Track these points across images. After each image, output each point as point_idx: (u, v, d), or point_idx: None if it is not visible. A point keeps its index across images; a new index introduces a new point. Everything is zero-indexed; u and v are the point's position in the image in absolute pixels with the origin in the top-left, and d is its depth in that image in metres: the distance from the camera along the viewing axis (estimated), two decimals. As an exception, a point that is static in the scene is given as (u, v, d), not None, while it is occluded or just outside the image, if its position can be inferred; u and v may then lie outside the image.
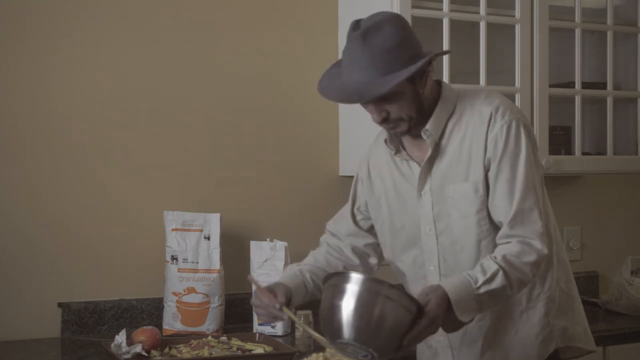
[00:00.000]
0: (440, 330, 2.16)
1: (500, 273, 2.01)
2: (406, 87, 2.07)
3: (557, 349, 2.24)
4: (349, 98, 2.10)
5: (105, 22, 2.91)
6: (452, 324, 2.02)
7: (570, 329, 2.25)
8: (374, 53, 2.02)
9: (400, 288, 2.00)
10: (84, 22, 2.89)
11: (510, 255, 2.05)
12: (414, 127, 2.15)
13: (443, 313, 1.96)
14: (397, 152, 2.24)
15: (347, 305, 1.91)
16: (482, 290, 2.00)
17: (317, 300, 2.09)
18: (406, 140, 2.25)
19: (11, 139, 2.81)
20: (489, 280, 2.01)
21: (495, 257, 2.04)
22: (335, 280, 1.97)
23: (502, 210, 2.10)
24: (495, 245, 2.12)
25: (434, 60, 2.12)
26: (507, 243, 2.08)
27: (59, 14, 2.86)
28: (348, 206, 2.43)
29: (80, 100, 2.89)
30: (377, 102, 2.08)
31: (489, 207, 2.13)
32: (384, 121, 2.12)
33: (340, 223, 2.44)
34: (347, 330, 1.90)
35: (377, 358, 1.93)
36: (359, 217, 2.41)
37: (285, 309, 2.12)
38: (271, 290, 2.16)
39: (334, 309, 1.93)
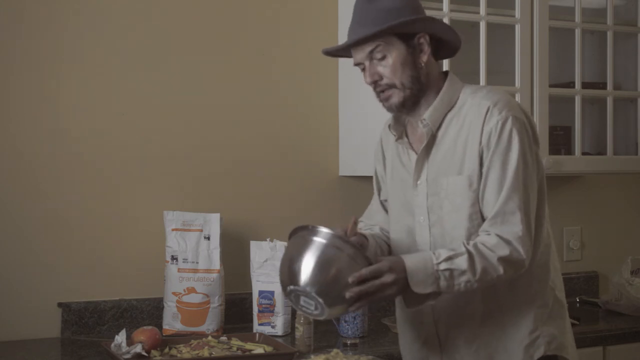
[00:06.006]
0: (431, 320, 2.20)
1: (466, 256, 2.03)
2: (400, 47, 2.14)
3: (548, 358, 2.20)
4: (342, 46, 2.18)
5: (104, 21, 2.91)
6: (411, 296, 2.05)
7: (559, 337, 2.21)
8: (376, 11, 2.11)
9: (362, 249, 2.09)
10: (85, 21, 2.89)
11: (482, 244, 2.06)
12: (411, 105, 2.18)
13: (395, 274, 2.00)
14: (399, 138, 2.25)
15: (307, 254, 2.01)
16: (442, 266, 2.02)
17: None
18: (409, 129, 2.26)
19: (11, 139, 2.81)
20: (451, 258, 2.03)
21: (467, 243, 2.07)
22: (303, 232, 2.06)
23: (488, 208, 2.11)
24: None
25: (429, 30, 2.18)
26: (486, 235, 2.09)
27: (60, 12, 2.86)
28: (375, 200, 2.44)
29: (80, 100, 2.89)
30: (370, 59, 2.15)
31: (479, 202, 2.13)
32: (376, 85, 2.17)
33: (374, 217, 2.43)
34: (301, 275, 2.00)
35: (325, 307, 2.00)
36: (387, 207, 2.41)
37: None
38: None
39: (294, 257, 2.02)
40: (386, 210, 2.40)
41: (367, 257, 2.04)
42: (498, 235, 2.07)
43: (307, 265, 2.00)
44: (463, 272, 2.03)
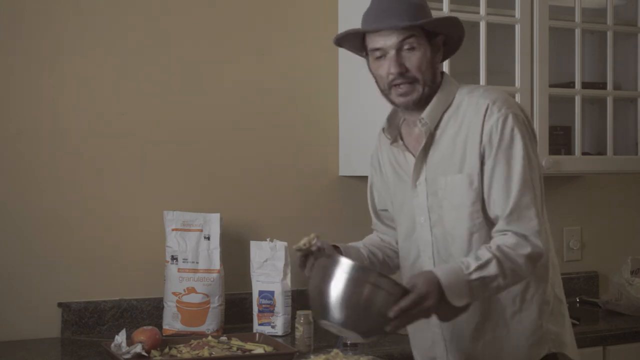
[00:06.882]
0: (435, 321, 2.17)
1: (494, 261, 2.02)
2: (426, 45, 2.13)
3: (553, 355, 2.21)
4: (381, 26, 2.10)
5: (104, 21, 2.91)
6: (446, 311, 2.02)
7: (562, 335, 2.22)
8: (405, 4, 2.10)
9: (387, 276, 2.02)
10: (84, 21, 2.89)
11: (504, 245, 2.05)
12: (424, 103, 2.16)
13: (434, 295, 1.96)
14: (394, 141, 2.24)
15: (334, 290, 1.95)
16: (474, 276, 2.01)
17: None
18: (404, 131, 2.26)
19: (11, 139, 2.81)
20: (481, 267, 2.01)
21: (490, 247, 2.05)
22: (325, 262, 2.01)
23: (498, 206, 2.09)
24: (486, 239, 2.11)
25: (453, 32, 2.20)
26: (503, 235, 2.08)
27: (60, 12, 2.86)
28: (371, 213, 2.44)
29: (81, 100, 2.89)
30: (398, 49, 2.10)
31: (485, 201, 2.12)
32: (399, 76, 2.12)
33: (377, 228, 2.45)
34: (334, 314, 1.95)
35: (361, 338, 1.99)
36: (384, 217, 2.41)
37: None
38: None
39: (322, 292, 1.97)
40: (381, 220, 2.41)
41: (397, 282, 1.97)
42: (515, 233, 2.06)
43: (337, 303, 1.94)
44: (494, 278, 2.02)
